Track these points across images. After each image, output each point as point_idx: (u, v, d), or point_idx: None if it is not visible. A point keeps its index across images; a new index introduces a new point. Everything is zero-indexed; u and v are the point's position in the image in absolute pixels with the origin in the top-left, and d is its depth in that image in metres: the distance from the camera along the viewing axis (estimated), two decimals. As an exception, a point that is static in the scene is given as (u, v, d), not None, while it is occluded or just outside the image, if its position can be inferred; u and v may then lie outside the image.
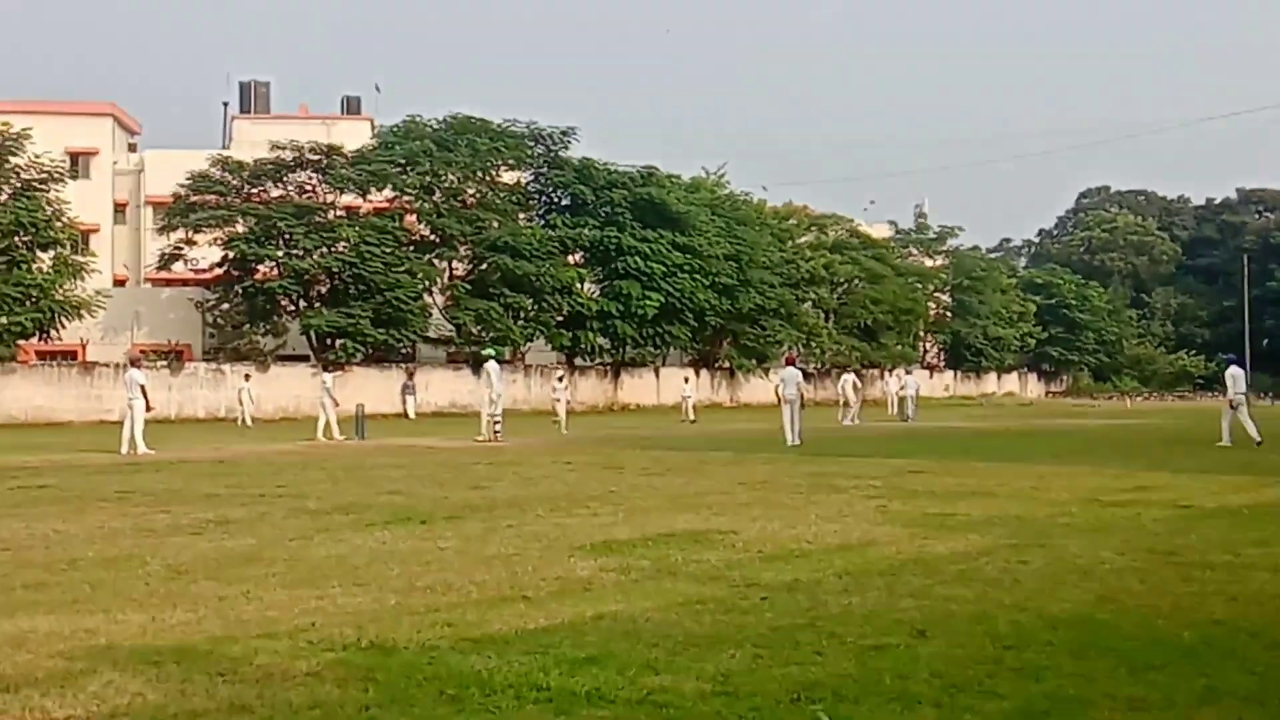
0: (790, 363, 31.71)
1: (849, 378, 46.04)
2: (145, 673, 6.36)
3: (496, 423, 30.89)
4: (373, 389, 49.40)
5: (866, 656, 6.63)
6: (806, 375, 40.61)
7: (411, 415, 49.55)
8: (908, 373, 53.96)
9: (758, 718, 5.59)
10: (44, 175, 47.02)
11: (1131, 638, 7.10)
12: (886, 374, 65.23)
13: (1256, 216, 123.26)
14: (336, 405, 32.82)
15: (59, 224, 46.88)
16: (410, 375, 52.27)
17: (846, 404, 44.53)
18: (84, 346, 50.94)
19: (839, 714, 5.60)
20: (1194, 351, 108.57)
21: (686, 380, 51.31)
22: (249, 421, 42.00)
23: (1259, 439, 25.96)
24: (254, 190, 52.28)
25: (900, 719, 5.59)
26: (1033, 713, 5.65)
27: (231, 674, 6.31)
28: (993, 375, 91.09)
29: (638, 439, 31.49)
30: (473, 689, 6.01)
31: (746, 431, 35.67)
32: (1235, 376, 27.64)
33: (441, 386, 53.37)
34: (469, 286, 54.07)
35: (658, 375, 62.07)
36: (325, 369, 41.85)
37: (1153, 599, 8.30)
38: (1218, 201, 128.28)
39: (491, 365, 32.06)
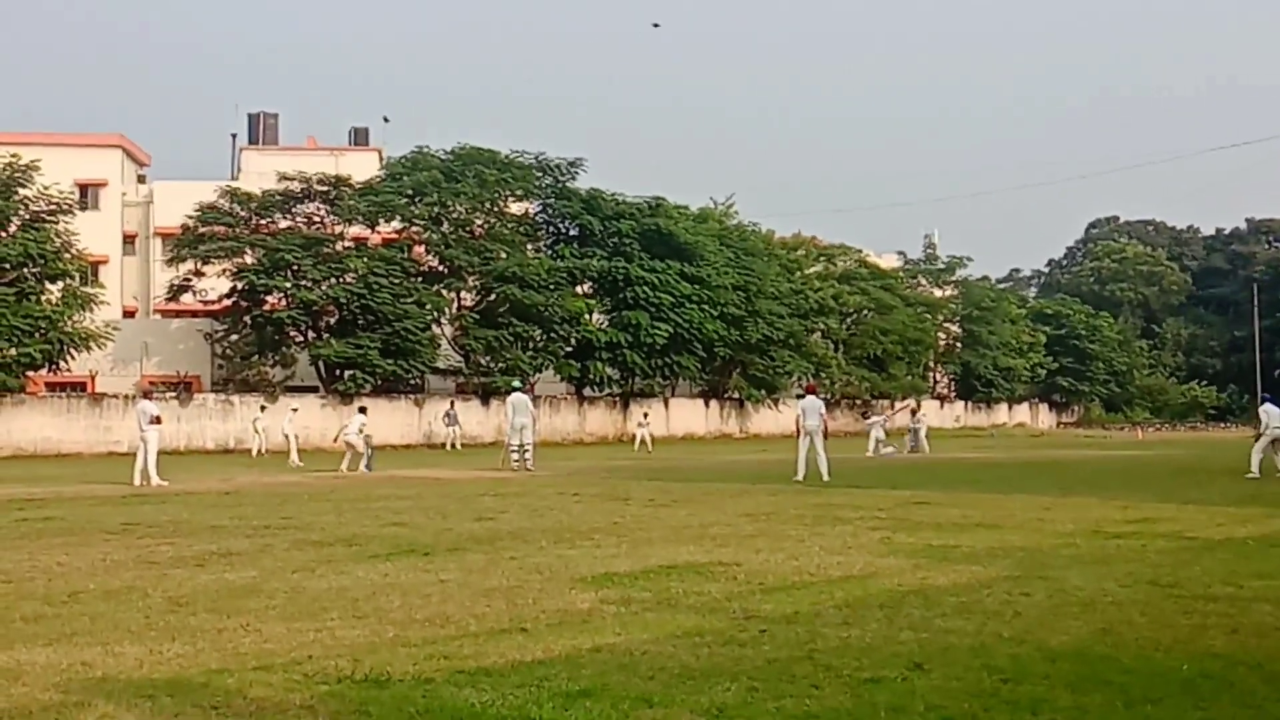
0: (810, 391, 28.27)
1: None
2: (139, 706, 6.36)
3: (525, 451, 30.66)
4: (382, 420, 49.42)
5: (862, 689, 6.61)
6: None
7: (457, 446, 48.85)
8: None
9: (750, 752, 5.57)
10: (53, 207, 47.21)
11: (1130, 671, 7.07)
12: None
13: (1266, 246, 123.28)
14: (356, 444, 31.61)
15: (68, 255, 47.05)
16: (452, 405, 51.84)
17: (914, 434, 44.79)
18: (93, 378, 51.03)
19: (832, 748, 5.58)
20: (1205, 382, 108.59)
21: (646, 414, 52.65)
22: (263, 452, 42.06)
23: None
24: (262, 221, 52.53)
25: (894, 753, 5.57)
26: (1027, 747, 5.62)
27: (225, 707, 6.31)
28: (1003, 406, 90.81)
29: (628, 469, 31.48)
30: (465, 722, 6.00)
31: (755, 462, 35.62)
32: (1269, 412, 27.66)
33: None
34: (477, 317, 54.23)
35: (667, 406, 62.02)
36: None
37: (1153, 631, 8.27)
38: (1227, 231, 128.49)
39: (514, 397, 31.81)
